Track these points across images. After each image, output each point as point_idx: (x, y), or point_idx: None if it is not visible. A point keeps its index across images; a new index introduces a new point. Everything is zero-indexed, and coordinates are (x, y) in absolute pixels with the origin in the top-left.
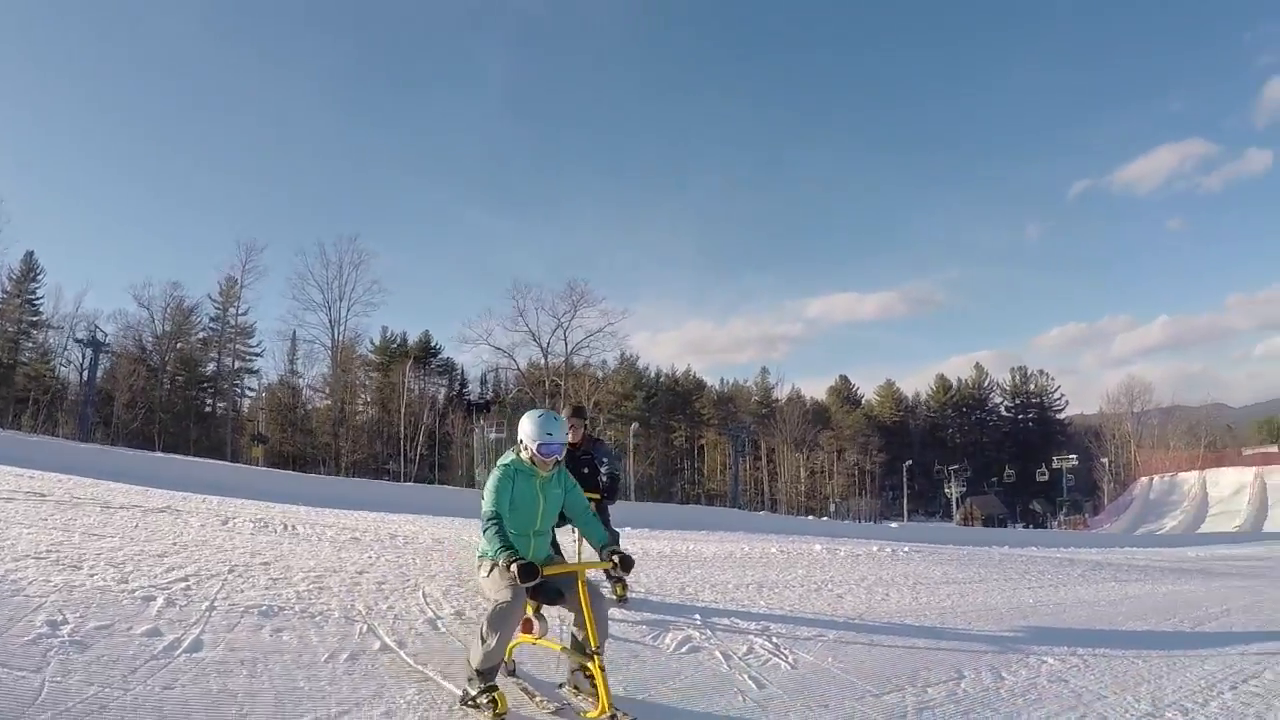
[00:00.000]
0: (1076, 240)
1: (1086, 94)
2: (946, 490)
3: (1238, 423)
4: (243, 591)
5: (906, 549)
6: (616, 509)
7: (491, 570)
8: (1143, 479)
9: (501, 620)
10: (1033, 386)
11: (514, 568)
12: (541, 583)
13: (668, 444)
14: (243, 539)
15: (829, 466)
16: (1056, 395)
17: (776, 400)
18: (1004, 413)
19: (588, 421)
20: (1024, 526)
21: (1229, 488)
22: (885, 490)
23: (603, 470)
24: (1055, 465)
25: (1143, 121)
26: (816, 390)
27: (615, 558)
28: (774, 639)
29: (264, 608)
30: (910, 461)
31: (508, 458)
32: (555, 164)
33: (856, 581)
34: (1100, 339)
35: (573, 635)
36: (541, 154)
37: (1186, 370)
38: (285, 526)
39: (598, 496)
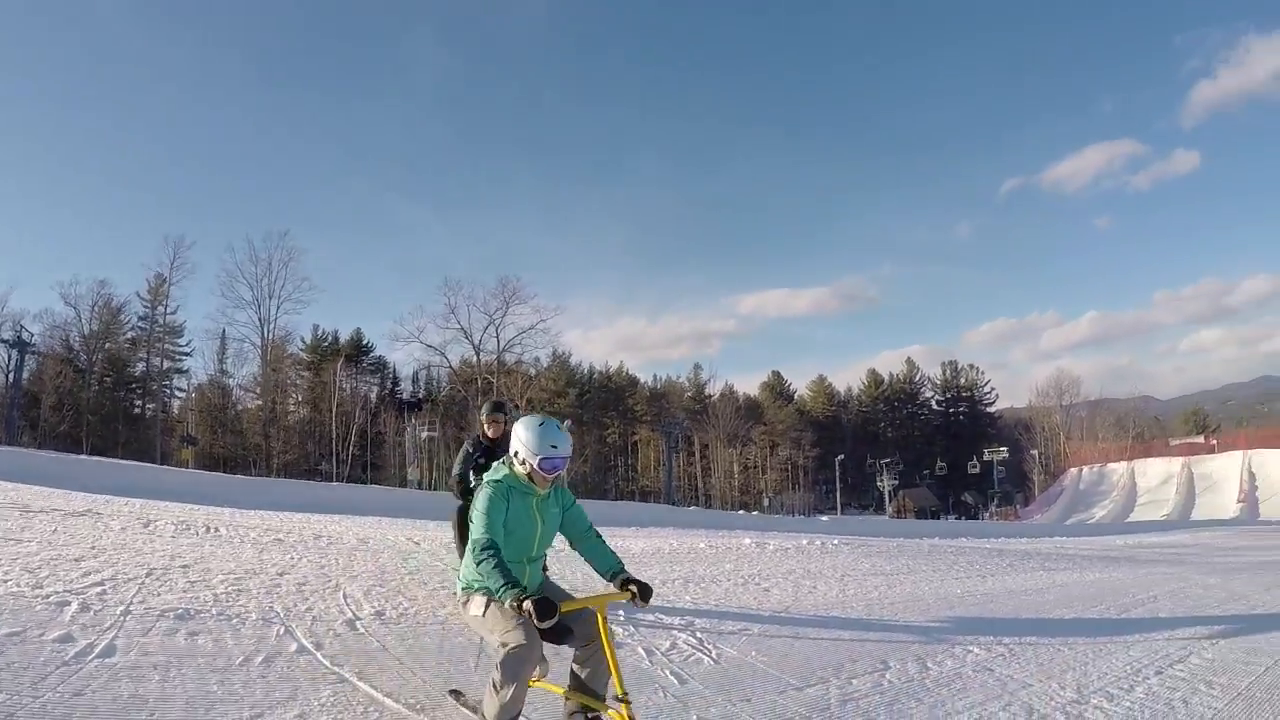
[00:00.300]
0: (1007, 238)
1: (1020, 95)
2: (879, 483)
3: (1165, 415)
4: (159, 595)
5: (836, 542)
6: None
7: (488, 607)
8: (1072, 470)
9: (518, 666)
10: (963, 381)
11: (528, 607)
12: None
13: (601, 441)
14: (163, 542)
15: (762, 461)
16: (987, 389)
17: (710, 396)
18: (935, 407)
19: (508, 416)
20: (956, 518)
21: (1157, 478)
22: (818, 484)
23: None
24: (986, 458)
25: (1074, 122)
26: (749, 386)
27: (633, 587)
28: (698, 634)
29: (180, 611)
30: (843, 455)
31: (499, 473)
32: (487, 160)
33: (784, 575)
34: (1029, 334)
35: (573, 673)
36: (473, 150)
37: (1114, 364)
38: (208, 528)
39: None
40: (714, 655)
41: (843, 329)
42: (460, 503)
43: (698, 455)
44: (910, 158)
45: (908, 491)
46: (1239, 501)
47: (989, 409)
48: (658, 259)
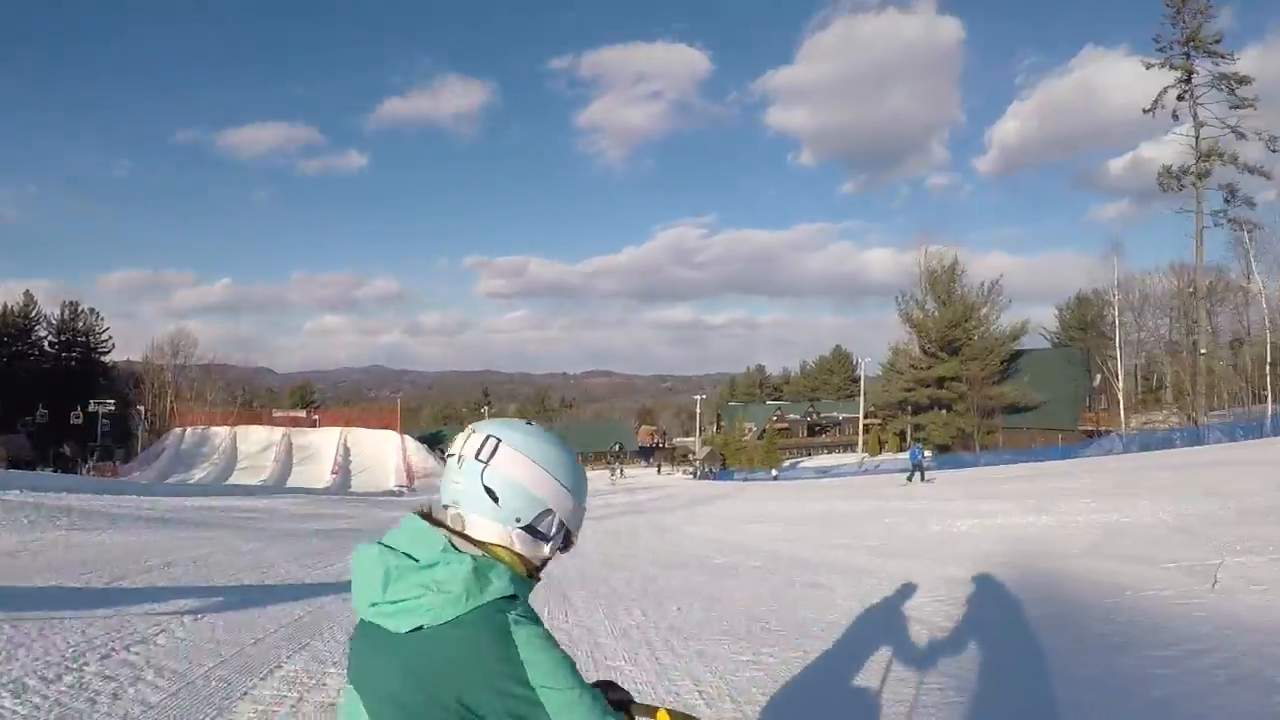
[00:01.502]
0: (162, 187)
1: (218, 51)
2: None
3: (279, 387)
4: None
5: None
6: None
7: None
8: (177, 429)
9: None
10: (81, 325)
11: None
12: None
13: None
14: None
15: None
16: (104, 337)
17: None
18: (48, 349)
19: None
20: (54, 470)
21: (259, 444)
22: None
23: None
24: (92, 408)
25: (270, 93)
26: None
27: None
28: None
29: None
30: None
31: (502, 580)
32: None
33: None
34: (164, 289)
35: None
36: None
37: (239, 333)
38: None
39: None
40: None
41: None
42: None
43: None
44: (95, 80)
45: (3, 438)
46: (333, 473)
47: (104, 358)
48: None
